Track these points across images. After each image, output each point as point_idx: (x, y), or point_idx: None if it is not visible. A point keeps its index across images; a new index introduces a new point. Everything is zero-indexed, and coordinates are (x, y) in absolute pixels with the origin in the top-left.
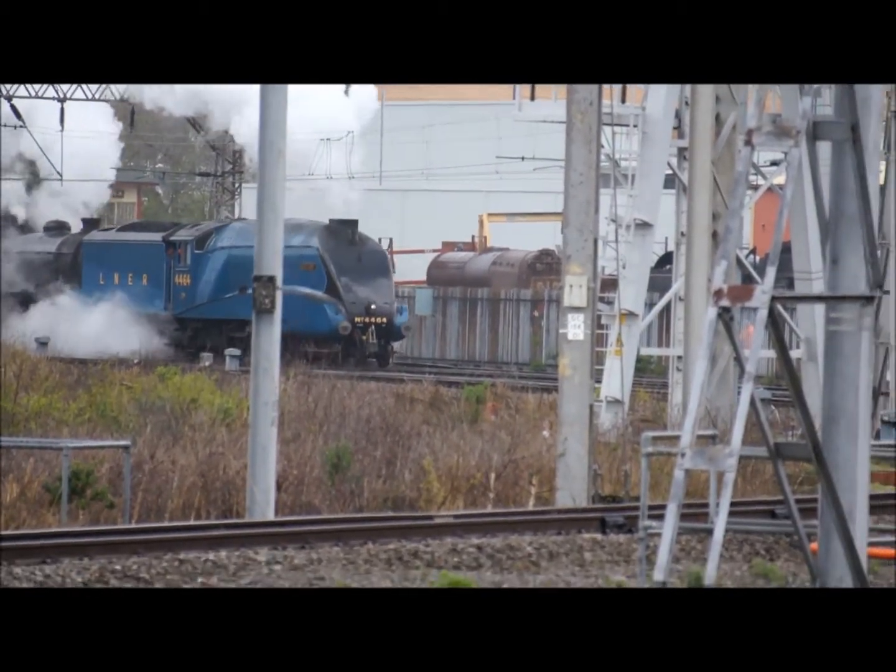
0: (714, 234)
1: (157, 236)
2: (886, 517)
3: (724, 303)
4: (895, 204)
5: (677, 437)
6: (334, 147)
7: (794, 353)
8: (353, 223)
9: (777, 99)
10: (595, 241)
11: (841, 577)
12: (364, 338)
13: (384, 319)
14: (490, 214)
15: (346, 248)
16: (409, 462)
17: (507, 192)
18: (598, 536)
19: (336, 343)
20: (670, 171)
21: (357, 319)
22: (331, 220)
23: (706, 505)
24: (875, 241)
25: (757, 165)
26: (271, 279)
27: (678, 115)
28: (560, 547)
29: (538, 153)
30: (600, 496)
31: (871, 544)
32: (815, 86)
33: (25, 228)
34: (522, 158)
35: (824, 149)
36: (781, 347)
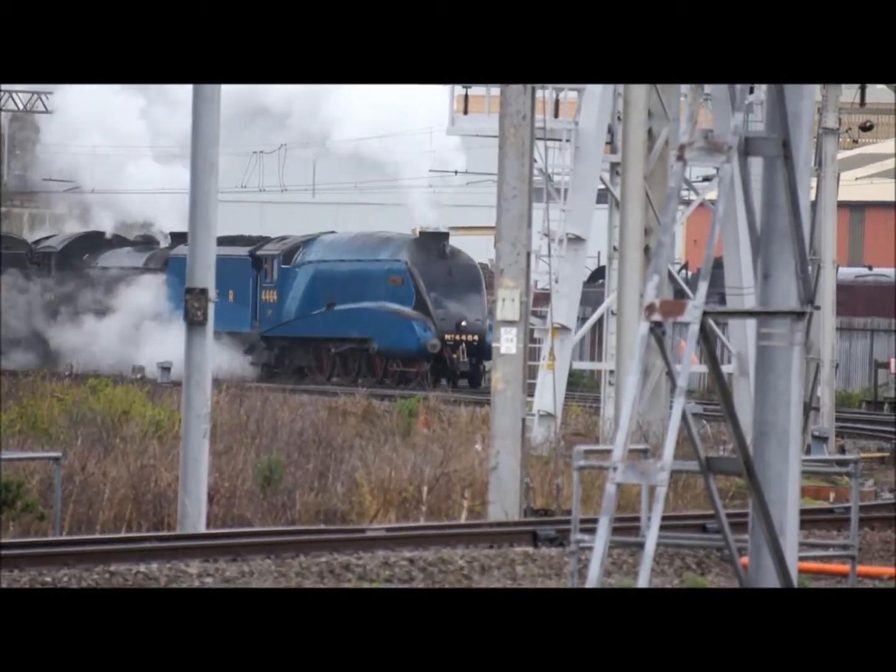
0: (646, 249)
1: (243, 251)
2: (817, 532)
3: (656, 317)
4: (827, 220)
5: (609, 451)
6: (266, 160)
7: (726, 368)
8: (444, 235)
9: (709, 115)
10: (528, 255)
11: None
12: (454, 356)
13: (476, 337)
14: (423, 229)
15: (435, 261)
16: (341, 475)
17: (440, 206)
18: (530, 550)
19: (425, 362)
20: (603, 186)
21: (447, 337)
22: (420, 233)
23: (638, 519)
24: (806, 257)
25: (689, 181)
26: (203, 291)
27: (611, 130)
28: (492, 560)
29: (471, 167)
30: (532, 510)
31: (801, 559)
32: (748, 101)
33: (114, 243)
34: (455, 172)
35: (756, 164)
36: (713, 362)
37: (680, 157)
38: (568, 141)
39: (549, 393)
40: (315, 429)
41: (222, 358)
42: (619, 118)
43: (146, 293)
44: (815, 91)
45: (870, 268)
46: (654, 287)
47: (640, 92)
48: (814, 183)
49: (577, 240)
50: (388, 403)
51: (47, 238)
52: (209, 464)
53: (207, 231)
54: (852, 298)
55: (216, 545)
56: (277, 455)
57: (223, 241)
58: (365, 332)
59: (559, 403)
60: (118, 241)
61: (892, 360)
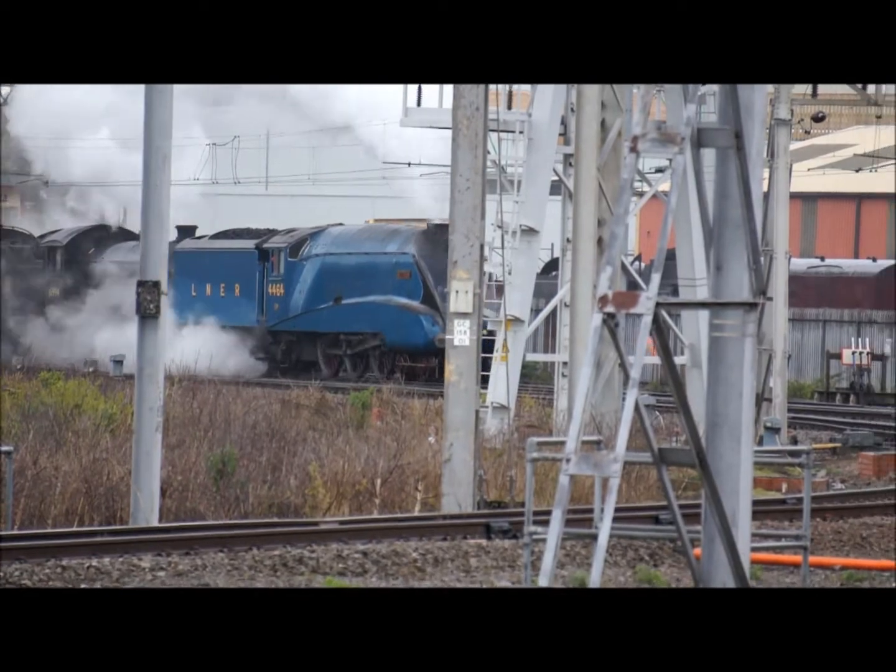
0: (599, 241)
1: (249, 244)
2: (769, 522)
3: (609, 309)
4: (779, 211)
5: (562, 443)
6: (220, 151)
7: (679, 360)
8: None
9: (662, 106)
10: (481, 247)
11: (724, 582)
12: None
13: (484, 332)
14: (377, 220)
15: (444, 254)
16: (294, 468)
17: (393, 198)
18: (484, 542)
19: (433, 357)
20: (556, 178)
21: None
22: (429, 225)
23: (591, 510)
24: (758, 248)
25: (642, 172)
26: (156, 284)
27: (564, 122)
28: (446, 553)
29: (425, 159)
30: (486, 502)
31: (753, 549)
32: (700, 93)
33: (120, 237)
34: (409, 164)
35: (709, 156)
36: (666, 354)
37: (633, 149)
38: (521, 133)
39: (503, 385)
40: (268, 422)
41: (228, 353)
42: (572, 110)
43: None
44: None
45: (822, 259)
46: (608, 278)
47: (593, 83)
48: (766, 174)
49: (530, 231)
50: (341, 396)
51: (53, 232)
52: (162, 457)
53: (160, 224)
54: (804, 289)
55: (169, 539)
56: (230, 448)
57: (229, 234)
58: (373, 326)
59: (513, 395)
60: (124, 235)
61: (844, 351)
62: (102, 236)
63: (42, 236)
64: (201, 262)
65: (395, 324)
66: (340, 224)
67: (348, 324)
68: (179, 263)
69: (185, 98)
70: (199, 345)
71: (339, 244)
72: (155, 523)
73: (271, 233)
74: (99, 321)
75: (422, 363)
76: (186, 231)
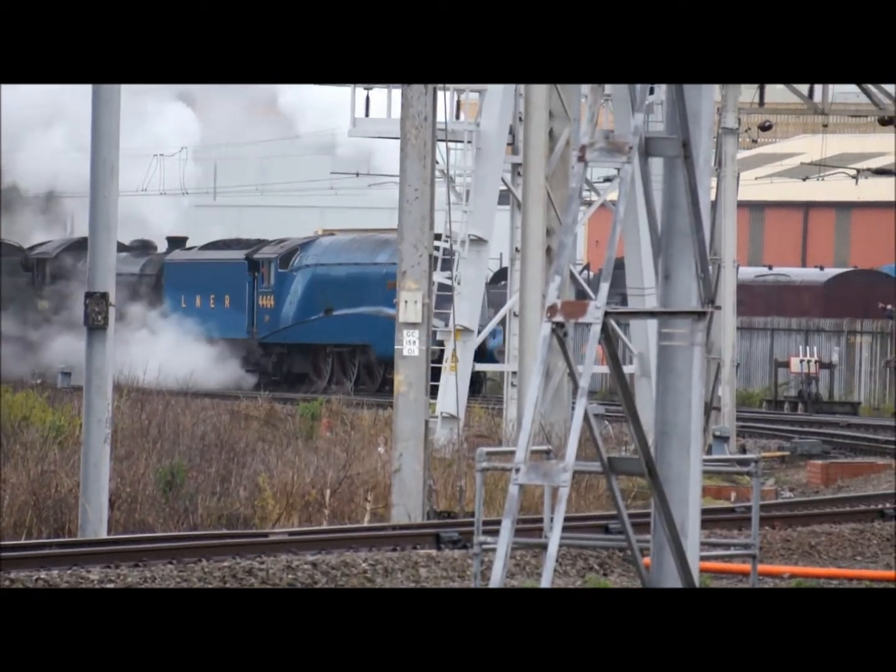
0: (548, 250)
1: (239, 254)
2: (718, 531)
3: (558, 318)
4: (727, 219)
5: (512, 453)
6: (167, 162)
7: (628, 369)
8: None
9: (610, 115)
10: (430, 257)
11: None
12: None
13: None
14: (325, 230)
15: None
16: (243, 479)
17: (342, 208)
18: (434, 552)
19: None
20: (504, 187)
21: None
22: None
23: (541, 520)
24: (707, 257)
25: (590, 181)
26: (104, 296)
27: (512, 131)
28: (395, 563)
29: (373, 169)
30: (435, 512)
31: (702, 558)
32: (647, 102)
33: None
34: (357, 174)
35: (657, 165)
36: (614, 363)
37: (581, 158)
38: (470, 142)
39: (452, 395)
40: (217, 433)
41: (218, 366)
42: (520, 119)
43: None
44: (714, 91)
45: (770, 267)
46: (556, 288)
47: (541, 93)
48: (714, 183)
49: (479, 241)
50: (290, 407)
51: (42, 244)
52: (110, 469)
53: (108, 234)
54: (752, 298)
55: (118, 551)
56: (179, 460)
57: (218, 244)
58: (363, 338)
59: (462, 405)
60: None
61: (792, 360)
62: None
63: (31, 248)
64: (191, 273)
65: (385, 335)
66: (332, 234)
67: (339, 335)
68: (169, 275)
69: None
70: (188, 357)
71: (330, 254)
72: (103, 535)
73: (261, 243)
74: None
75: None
76: (176, 242)
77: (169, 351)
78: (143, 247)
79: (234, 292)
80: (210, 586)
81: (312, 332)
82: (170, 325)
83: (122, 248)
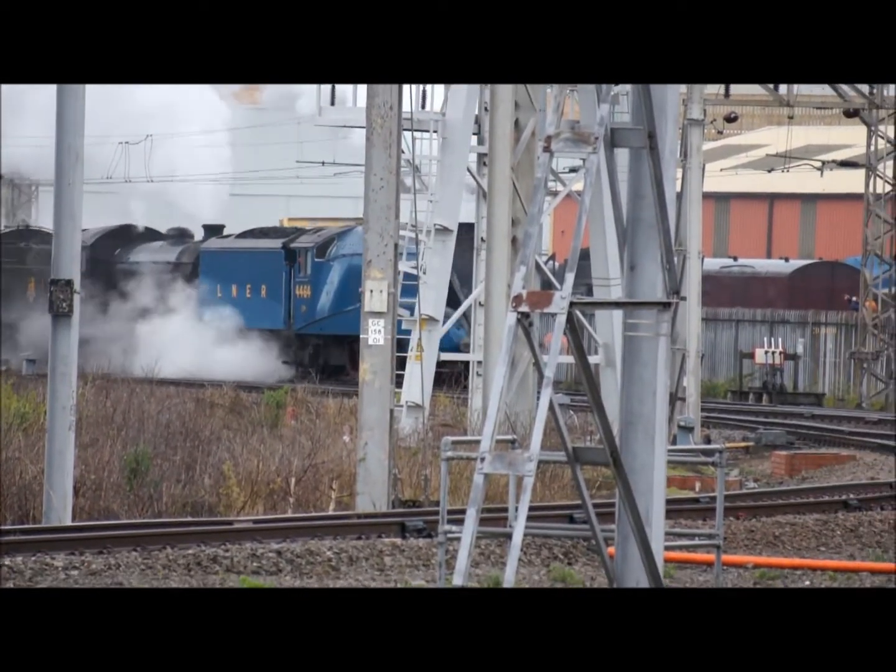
0: (514, 240)
1: (276, 243)
2: (683, 521)
3: (524, 308)
4: (692, 210)
5: (477, 442)
6: (132, 151)
7: (593, 359)
8: None
9: (576, 106)
10: (395, 246)
11: (638, 581)
12: None
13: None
14: (291, 219)
15: (470, 254)
16: (208, 467)
17: (307, 197)
18: (398, 541)
19: (459, 361)
20: (470, 177)
21: None
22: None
23: (506, 509)
24: (672, 248)
25: (556, 172)
26: (69, 283)
27: (478, 121)
28: (360, 552)
29: (339, 158)
30: (400, 501)
31: (667, 548)
32: (613, 93)
33: (147, 237)
34: (323, 163)
35: (622, 155)
36: (580, 353)
37: (547, 149)
38: (436, 132)
39: (417, 384)
40: (182, 421)
41: (253, 358)
42: (486, 109)
43: (170, 290)
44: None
45: (735, 258)
46: (522, 278)
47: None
48: (679, 174)
49: (444, 231)
50: (255, 395)
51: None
52: (75, 456)
53: (72, 222)
54: (718, 289)
55: (82, 538)
56: (144, 447)
57: (255, 232)
58: (400, 329)
59: (427, 394)
60: (151, 235)
61: (757, 351)
62: (129, 236)
63: None
64: (227, 262)
65: None
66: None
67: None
68: (205, 263)
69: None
70: (222, 349)
71: None
72: (68, 522)
73: (298, 232)
74: (125, 322)
75: (445, 368)
76: (213, 230)
77: (202, 342)
78: (180, 235)
79: (271, 282)
80: (174, 574)
81: (350, 323)
82: (204, 315)
83: (158, 236)
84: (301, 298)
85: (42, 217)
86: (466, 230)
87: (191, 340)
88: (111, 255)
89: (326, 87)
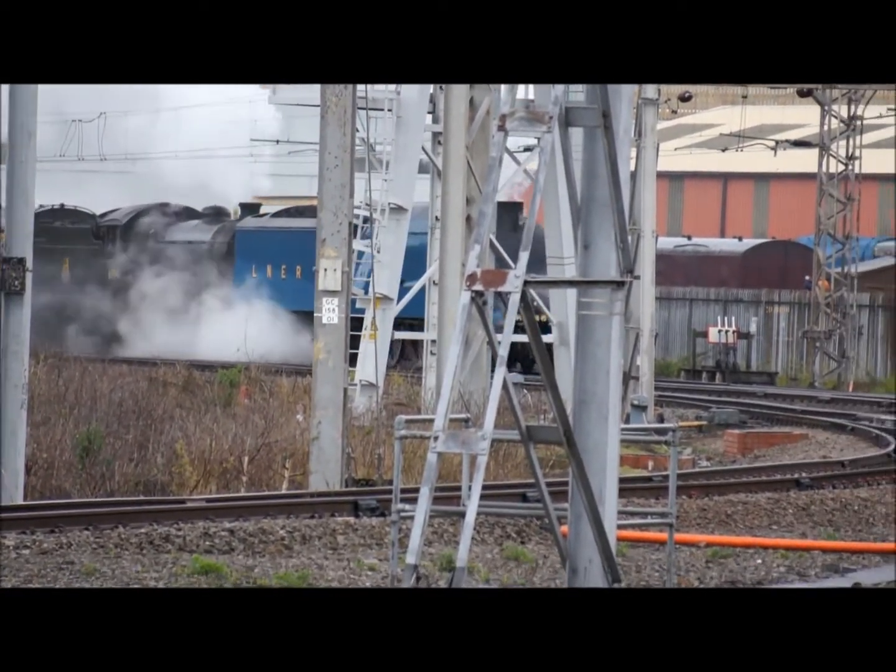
0: (468, 219)
1: (311, 222)
2: (636, 500)
3: (478, 287)
4: (646, 190)
5: (431, 421)
6: (85, 129)
7: (547, 338)
8: (517, 206)
9: (530, 84)
10: (350, 225)
11: (590, 559)
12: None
13: (544, 317)
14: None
15: (507, 235)
16: (161, 446)
17: (262, 176)
18: (352, 520)
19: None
20: (425, 156)
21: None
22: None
23: (459, 488)
24: (626, 227)
25: (510, 151)
26: (21, 261)
27: (433, 100)
28: (313, 530)
29: (293, 136)
30: (354, 480)
31: (620, 527)
32: None
33: (182, 215)
34: (277, 142)
35: (577, 135)
36: (533, 331)
37: (501, 127)
38: (390, 111)
39: (371, 363)
40: (135, 399)
41: (288, 340)
42: (440, 88)
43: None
44: None
45: (689, 237)
46: (476, 257)
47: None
48: (633, 153)
49: (399, 209)
50: (208, 374)
51: (113, 211)
52: (27, 435)
53: (25, 200)
54: (671, 268)
55: (34, 517)
56: (97, 426)
57: (291, 211)
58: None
59: (381, 373)
60: (186, 214)
61: (711, 329)
62: (164, 214)
63: (102, 215)
64: (263, 241)
65: None
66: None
67: (409, 308)
68: (241, 243)
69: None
70: (256, 330)
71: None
72: (20, 501)
73: None
74: (158, 302)
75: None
76: (250, 209)
77: (236, 323)
78: (217, 214)
79: (306, 262)
80: (126, 553)
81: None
82: (239, 295)
83: (194, 214)
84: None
85: None
86: (508, 210)
87: (222, 322)
88: (146, 233)
89: None
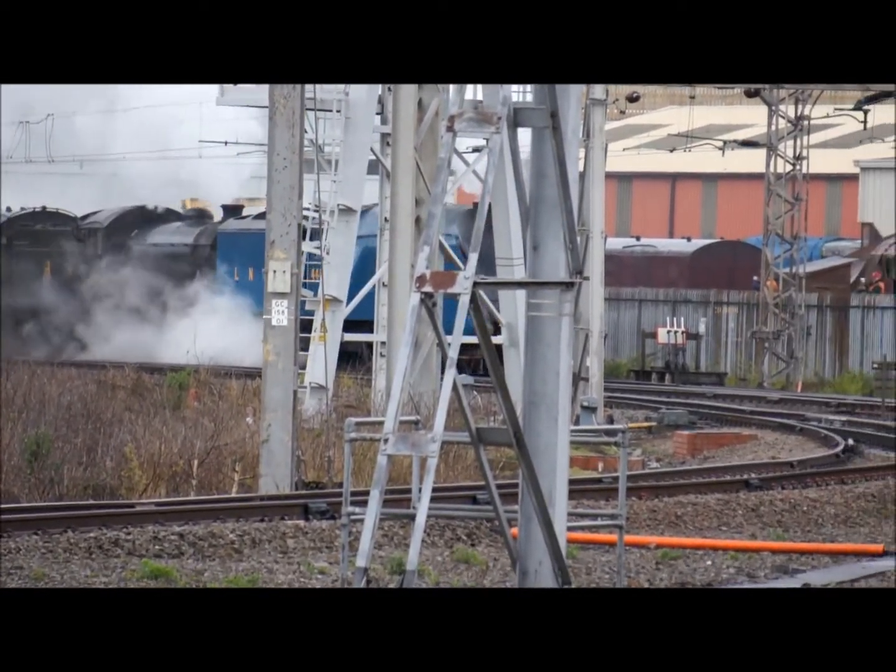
0: (417, 220)
1: None
2: (585, 501)
3: (427, 288)
4: (595, 190)
5: (381, 423)
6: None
7: (496, 339)
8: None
9: (479, 85)
10: (299, 226)
11: (541, 561)
12: None
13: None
14: (192, 199)
15: (493, 236)
16: (110, 449)
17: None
18: (302, 523)
19: (478, 347)
20: (374, 157)
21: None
22: (475, 204)
23: (409, 490)
24: (575, 228)
25: (459, 151)
26: None
27: (381, 101)
28: (263, 534)
29: (241, 137)
30: (304, 482)
31: (570, 528)
32: None
33: (164, 218)
34: (226, 143)
35: (525, 135)
36: (483, 333)
37: (450, 128)
38: (339, 112)
39: (321, 365)
40: (84, 403)
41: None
42: (389, 89)
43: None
44: None
45: (637, 238)
46: (425, 258)
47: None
48: (582, 154)
49: (348, 211)
50: (157, 377)
51: (94, 213)
52: None
53: None
54: (620, 269)
55: None
56: (45, 429)
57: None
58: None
59: (331, 375)
60: (168, 216)
61: (660, 330)
62: (146, 216)
63: (83, 217)
64: (244, 243)
65: (446, 310)
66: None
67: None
68: (222, 245)
69: None
70: (237, 335)
71: None
72: None
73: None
74: (140, 306)
75: (465, 355)
76: (232, 210)
77: (214, 327)
78: (199, 216)
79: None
80: (75, 557)
81: (367, 308)
82: (219, 299)
83: (177, 216)
84: (317, 282)
85: None
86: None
87: (200, 326)
88: (127, 236)
89: None
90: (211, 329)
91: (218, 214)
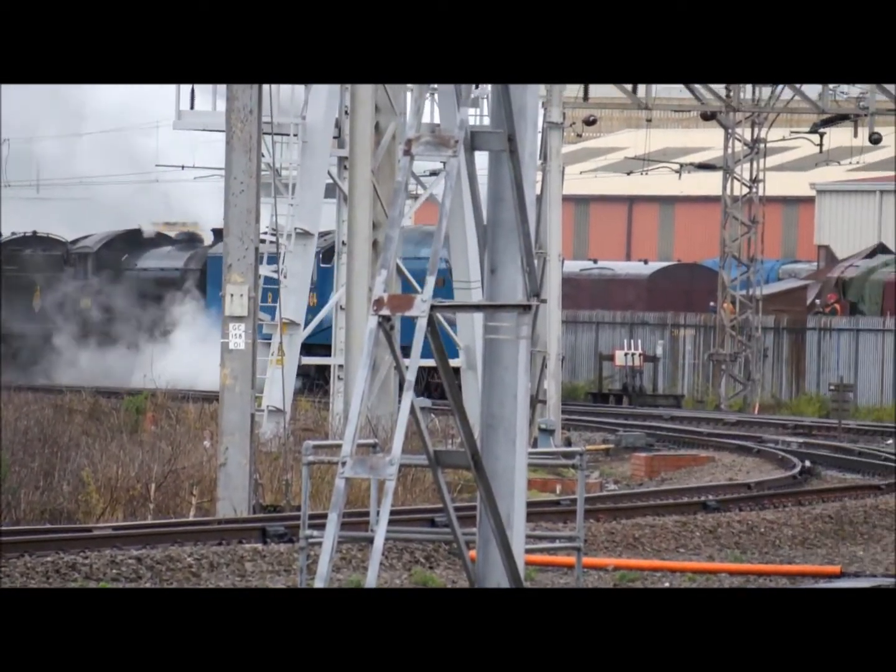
0: (375, 244)
1: None
2: (544, 524)
3: (385, 312)
4: (552, 213)
5: (338, 446)
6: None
7: (454, 362)
8: None
9: (436, 109)
10: (256, 250)
11: (499, 583)
12: None
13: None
14: (152, 223)
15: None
16: (67, 473)
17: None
18: (260, 546)
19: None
20: (331, 181)
21: None
22: None
23: (367, 513)
24: (532, 251)
25: (416, 175)
26: None
27: (338, 125)
28: (221, 557)
29: (199, 162)
30: (262, 506)
31: (528, 551)
32: (473, 96)
33: (154, 242)
34: (182, 167)
35: (482, 159)
36: (441, 356)
37: (407, 152)
38: (296, 135)
39: (279, 388)
40: (41, 427)
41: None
42: (346, 113)
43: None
44: (539, 86)
45: (595, 261)
46: (383, 281)
47: (366, 87)
48: (539, 177)
49: (305, 234)
50: (115, 401)
51: (84, 238)
52: None
53: None
54: (578, 291)
55: None
56: (2, 454)
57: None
58: (405, 340)
59: (288, 399)
60: (159, 240)
61: (617, 353)
62: (136, 241)
63: (73, 242)
64: None
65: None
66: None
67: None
68: (212, 269)
69: None
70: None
71: None
72: None
73: None
74: (131, 331)
75: (459, 379)
76: (223, 235)
77: (203, 353)
78: (190, 240)
79: (276, 289)
80: (32, 582)
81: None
82: (209, 324)
83: (167, 241)
84: (308, 308)
85: None
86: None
87: (187, 353)
88: (118, 260)
89: (186, 90)
90: (204, 353)
91: (208, 238)
